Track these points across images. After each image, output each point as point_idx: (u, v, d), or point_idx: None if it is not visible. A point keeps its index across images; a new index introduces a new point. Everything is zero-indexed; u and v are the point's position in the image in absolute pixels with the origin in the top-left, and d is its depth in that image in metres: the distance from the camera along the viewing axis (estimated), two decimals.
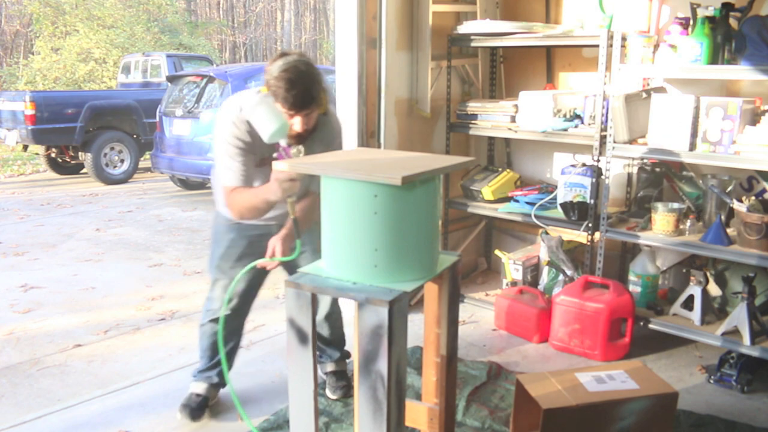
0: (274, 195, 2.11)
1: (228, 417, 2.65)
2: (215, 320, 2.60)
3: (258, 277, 2.60)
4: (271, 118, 2.06)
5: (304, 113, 2.14)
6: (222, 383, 2.72)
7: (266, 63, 2.21)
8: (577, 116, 3.44)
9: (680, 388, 2.69)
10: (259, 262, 2.31)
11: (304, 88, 2.10)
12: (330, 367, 2.87)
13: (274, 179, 2.05)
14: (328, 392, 2.79)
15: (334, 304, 2.80)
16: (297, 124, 2.16)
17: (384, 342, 1.55)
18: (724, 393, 2.84)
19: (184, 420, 2.57)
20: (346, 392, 2.77)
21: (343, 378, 2.83)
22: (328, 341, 2.85)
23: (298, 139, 2.21)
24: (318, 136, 2.31)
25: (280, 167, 1.82)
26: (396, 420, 1.64)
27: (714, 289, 3.20)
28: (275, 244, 2.34)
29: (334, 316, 2.84)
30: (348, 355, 2.93)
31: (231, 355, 2.72)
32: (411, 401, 2.02)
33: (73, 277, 4.56)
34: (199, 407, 2.61)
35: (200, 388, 2.66)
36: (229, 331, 2.64)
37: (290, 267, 2.44)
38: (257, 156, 2.30)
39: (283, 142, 2.15)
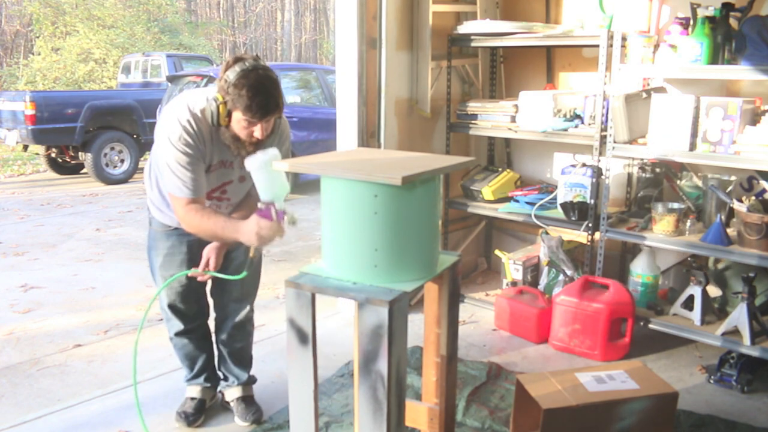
0: (247, 242, 2.03)
1: (227, 418, 2.65)
2: (181, 333, 2.55)
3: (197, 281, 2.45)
4: (275, 181, 1.95)
5: (267, 120, 2.06)
6: (216, 384, 2.69)
7: (218, 68, 2.15)
8: (577, 116, 3.44)
9: (680, 388, 2.69)
10: (191, 272, 2.30)
11: (268, 95, 2.01)
12: (237, 392, 2.64)
13: (256, 231, 1.96)
14: (237, 420, 2.60)
15: (249, 312, 2.62)
16: (258, 131, 2.08)
17: (384, 342, 1.55)
18: (724, 393, 2.84)
19: (182, 427, 2.56)
20: (259, 418, 2.59)
21: (253, 403, 2.64)
22: (237, 358, 2.65)
23: (256, 145, 2.10)
24: (270, 140, 2.20)
25: (281, 167, 1.81)
26: (396, 420, 1.64)
27: (713, 289, 3.21)
28: (210, 255, 2.29)
29: (248, 329, 2.66)
30: (254, 379, 2.73)
31: (205, 369, 2.64)
32: (411, 401, 2.02)
33: (73, 277, 4.56)
34: (196, 411, 2.59)
35: (194, 391, 2.64)
36: (196, 345, 2.60)
37: (219, 279, 2.34)
38: (207, 162, 2.18)
39: (279, 205, 1.99)
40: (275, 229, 1.97)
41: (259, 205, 1.99)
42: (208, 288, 2.59)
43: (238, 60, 2.04)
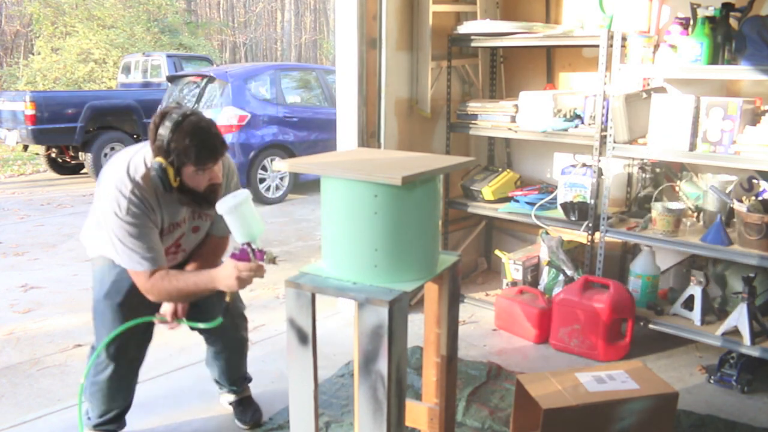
0: (226, 288, 1.94)
1: (226, 420, 2.65)
2: (112, 377, 2.24)
3: (147, 329, 2.27)
4: (250, 221, 1.87)
5: (218, 162, 2.00)
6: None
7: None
8: (577, 116, 3.44)
9: (680, 388, 2.69)
10: (157, 319, 2.19)
11: (211, 136, 1.95)
12: (234, 395, 2.62)
13: (236, 275, 1.89)
14: (238, 422, 2.58)
15: (234, 334, 2.52)
16: (214, 176, 2.02)
17: (384, 342, 1.55)
18: (724, 393, 2.84)
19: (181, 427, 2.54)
20: (258, 419, 2.56)
21: (251, 404, 2.61)
22: (234, 367, 2.59)
23: (214, 192, 2.05)
24: (223, 178, 2.17)
25: (281, 167, 1.81)
26: (396, 420, 1.64)
27: (714, 289, 3.21)
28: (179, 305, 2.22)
29: (240, 349, 2.58)
30: (250, 378, 2.69)
31: (120, 417, 2.38)
32: (411, 401, 2.02)
33: (73, 277, 4.55)
34: None
35: None
36: (125, 385, 2.32)
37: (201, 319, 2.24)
38: (159, 227, 2.07)
39: (257, 244, 1.92)
40: (255, 269, 1.91)
41: (233, 249, 1.94)
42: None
43: (164, 115, 1.94)
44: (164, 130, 1.91)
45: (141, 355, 2.31)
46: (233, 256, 1.92)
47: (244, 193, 1.87)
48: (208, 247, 2.34)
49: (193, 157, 1.92)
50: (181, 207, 2.11)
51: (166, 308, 2.24)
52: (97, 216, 2.15)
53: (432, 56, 3.63)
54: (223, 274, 1.93)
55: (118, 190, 1.96)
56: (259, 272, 1.92)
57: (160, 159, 1.94)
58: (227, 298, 2.05)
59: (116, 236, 1.98)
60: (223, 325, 2.32)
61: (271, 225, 6.24)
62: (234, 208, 1.83)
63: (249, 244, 1.90)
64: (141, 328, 2.18)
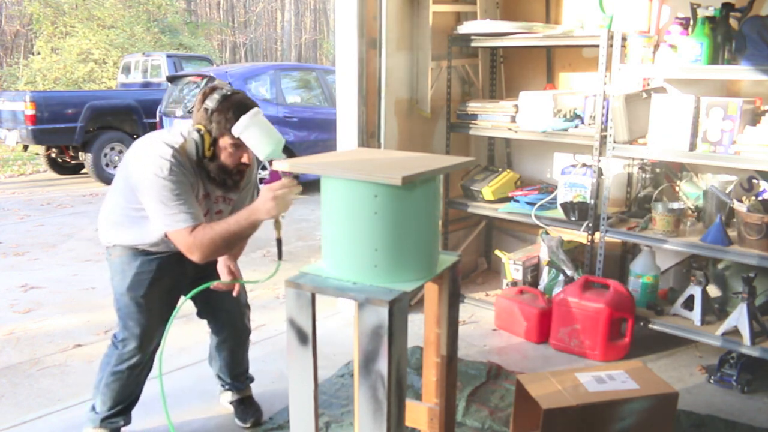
0: (267, 214, 1.94)
1: (227, 419, 2.65)
2: (135, 366, 2.30)
3: (165, 312, 2.25)
4: (268, 134, 1.94)
5: None
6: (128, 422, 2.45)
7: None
8: (577, 116, 3.44)
9: (680, 388, 2.69)
10: (215, 284, 2.24)
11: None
12: (236, 394, 2.64)
13: (272, 196, 1.90)
14: (237, 421, 2.59)
15: (240, 322, 2.53)
16: (246, 157, 2.09)
17: (384, 342, 1.55)
18: (724, 393, 2.84)
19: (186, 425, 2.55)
20: (259, 419, 2.58)
21: (252, 404, 2.63)
22: (238, 362, 2.62)
23: (242, 175, 2.13)
24: (246, 180, 2.25)
25: (281, 167, 1.81)
26: (396, 420, 1.64)
27: (713, 289, 3.21)
28: (227, 264, 2.32)
29: (249, 329, 2.60)
30: (252, 378, 2.71)
31: (128, 410, 2.41)
32: (411, 401, 2.02)
33: (73, 277, 4.56)
34: None
35: None
36: (138, 382, 2.37)
37: (205, 296, 2.29)
38: (195, 194, 2.10)
39: (277, 165, 1.89)
40: (288, 184, 1.91)
41: (261, 174, 1.97)
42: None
43: (214, 89, 2.02)
44: (211, 101, 1.99)
45: (160, 343, 2.25)
46: (264, 182, 1.95)
47: (254, 109, 1.94)
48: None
49: (232, 127, 1.96)
50: (208, 183, 2.14)
51: (221, 267, 2.33)
52: (116, 199, 2.18)
53: (432, 56, 3.63)
54: (261, 201, 1.93)
55: (158, 155, 1.99)
56: (292, 187, 1.91)
57: (200, 125, 2.01)
58: (278, 234, 2.07)
59: (158, 199, 1.98)
60: (232, 311, 2.47)
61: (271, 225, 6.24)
62: (250, 122, 1.90)
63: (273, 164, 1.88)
64: (163, 317, 2.22)
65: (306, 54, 27.35)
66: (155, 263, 2.23)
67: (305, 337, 1.68)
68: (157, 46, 16.79)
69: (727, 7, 2.86)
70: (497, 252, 3.98)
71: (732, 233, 2.92)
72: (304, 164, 1.82)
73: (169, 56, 11.71)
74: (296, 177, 1.94)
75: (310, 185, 7.80)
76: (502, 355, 3.23)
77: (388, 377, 1.57)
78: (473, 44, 3.70)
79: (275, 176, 1.91)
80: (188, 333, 3.45)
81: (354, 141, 3.48)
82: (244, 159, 2.10)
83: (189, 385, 2.90)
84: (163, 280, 2.25)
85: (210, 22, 24.10)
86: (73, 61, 16.04)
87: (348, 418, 2.59)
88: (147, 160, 2.00)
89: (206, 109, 2.00)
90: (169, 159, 1.98)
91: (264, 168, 7.24)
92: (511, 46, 3.70)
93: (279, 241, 2.08)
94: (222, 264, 2.35)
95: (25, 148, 9.28)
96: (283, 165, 1.80)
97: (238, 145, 2.03)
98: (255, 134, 1.93)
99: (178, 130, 2.09)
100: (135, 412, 2.45)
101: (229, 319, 2.50)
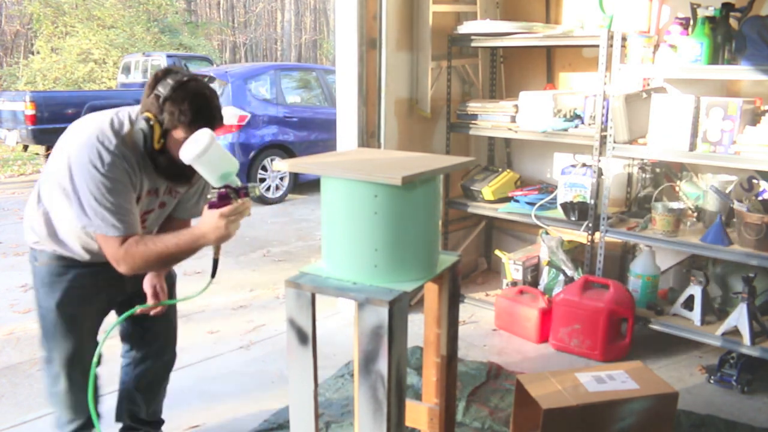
0: (216, 240, 1.74)
1: (227, 418, 2.65)
2: (69, 389, 2.02)
3: (95, 336, 2.05)
4: (221, 160, 1.72)
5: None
6: None
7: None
8: (577, 116, 3.44)
9: (680, 388, 2.69)
10: (140, 309, 1.99)
11: (212, 108, 1.77)
12: None
13: (224, 223, 1.70)
14: None
15: (173, 343, 2.30)
16: None
17: (384, 342, 1.55)
18: (724, 393, 2.84)
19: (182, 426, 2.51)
20: None
21: None
22: (154, 402, 2.33)
23: (194, 170, 1.81)
24: (197, 178, 1.97)
25: (281, 167, 1.81)
26: (396, 420, 1.64)
27: (714, 289, 3.21)
28: (153, 283, 2.05)
29: (169, 368, 2.33)
30: (163, 421, 2.43)
31: (88, 427, 2.10)
32: (411, 401, 2.02)
33: None
34: None
35: None
36: (82, 399, 1.99)
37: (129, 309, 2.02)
38: (137, 192, 1.84)
39: (234, 182, 1.77)
40: (242, 209, 1.74)
41: (209, 196, 1.80)
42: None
43: (168, 72, 1.75)
44: (164, 87, 1.72)
45: (94, 363, 1.98)
46: (212, 205, 1.73)
47: (207, 134, 1.68)
48: (171, 230, 1.99)
49: (187, 121, 1.72)
50: (155, 177, 1.88)
51: (147, 286, 2.07)
52: (48, 188, 1.88)
53: (432, 56, 3.63)
54: (210, 226, 1.72)
55: (100, 142, 1.73)
56: (245, 210, 1.75)
57: (149, 114, 1.74)
58: (217, 255, 1.86)
59: (90, 193, 1.72)
60: (166, 327, 2.23)
61: (271, 225, 6.24)
62: (202, 153, 1.66)
63: (228, 186, 1.74)
64: (92, 335, 2.02)
65: (306, 54, 27.35)
66: (91, 278, 1.96)
67: (305, 337, 1.68)
68: (157, 46, 16.80)
69: (727, 7, 2.86)
70: (497, 252, 3.98)
71: (732, 233, 2.92)
72: (304, 164, 1.82)
73: (169, 56, 11.72)
74: (247, 194, 1.76)
75: (310, 185, 7.83)
76: (502, 355, 3.23)
77: (388, 377, 1.57)
78: (473, 44, 3.70)
79: (224, 199, 1.74)
80: (188, 333, 3.44)
81: (354, 141, 3.48)
82: None
83: (189, 385, 2.90)
84: (100, 296, 2.00)
85: (210, 22, 24.10)
86: (73, 61, 16.05)
87: (348, 418, 2.59)
88: (84, 146, 1.74)
89: (157, 96, 1.72)
90: (112, 150, 1.72)
91: (264, 168, 7.25)
92: (511, 46, 3.70)
93: (216, 261, 1.88)
94: (147, 282, 2.08)
95: (25, 148, 9.27)
96: (283, 165, 1.80)
97: None
98: (211, 164, 1.70)
99: (126, 113, 1.83)
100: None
101: (164, 332, 2.25)
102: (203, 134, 1.68)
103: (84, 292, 1.96)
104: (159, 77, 1.74)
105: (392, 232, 1.61)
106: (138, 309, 2.02)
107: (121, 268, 1.79)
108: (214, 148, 1.68)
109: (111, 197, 1.72)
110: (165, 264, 1.83)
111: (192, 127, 1.72)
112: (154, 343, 2.24)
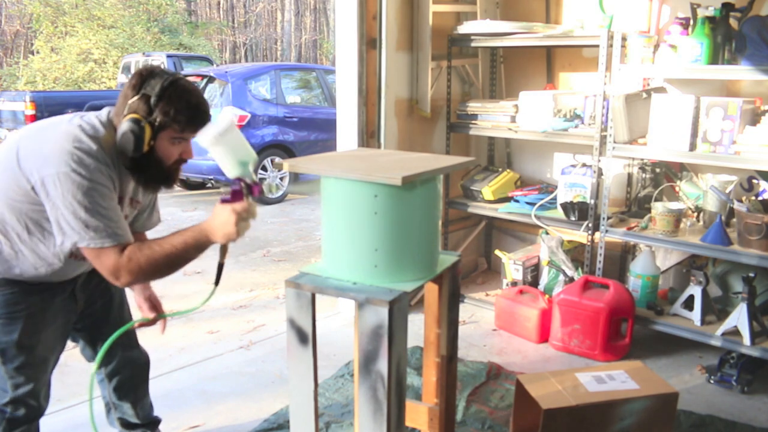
0: (224, 238, 1.63)
1: (227, 418, 2.65)
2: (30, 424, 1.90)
3: (59, 356, 1.95)
4: (239, 150, 1.64)
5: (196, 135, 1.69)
6: None
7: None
8: (577, 116, 3.44)
9: (680, 388, 2.69)
10: (137, 322, 1.95)
11: (204, 106, 1.73)
12: None
13: (234, 220, 1.60)
14: None
15: (137, 349, 2.19)
16: (187, 150, 1.76)
17: (384, 342, 1.55)
18: (724, 393, 2.84)
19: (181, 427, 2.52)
20: None
21: None
22: (143, 406, 2.26)
23: (178, 173, 1.79)
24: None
25: (281, 167, 1.80)
26: (396, 420, 1.64)
27: (714, 289, 3.21)
28: (146, 296, 2.00)
29: (146, 368, 2.23)
30: (159, 419, 2.35)
31: None
32: (411, 401, 2.02)
33: None
34: None
35: None
36: None
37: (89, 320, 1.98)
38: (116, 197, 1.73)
39: (249, 178, 1.69)
40: (253, 210, 1.65)
41: (222, 190, 1.79)
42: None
43: (151, 72, 1.69)
44: (151, 88, 1.65)
45: (93, 372, 1.95)
46: (224, 200, 1.64)
47: (228, 118, 1.63)
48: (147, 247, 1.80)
49: (183, 121, 1.66)
50: (128, 183, 1.77)
51: (140, 300, 2.02)
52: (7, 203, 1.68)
53: (432, 56, 3.63)
54: (220, 222, 1.61)
55: (77, 149, 1.59)
56: (254, 213, 1.66)
57: (136, 116, 1.64)
58: (223, 258, 1.76)
59: (79, 204, 1.57)
60: (124, 340, 2.08)
61: (271, 225, 6.24)
62: (220, 137, 1.58)
63: (241, 180, 1.65)
64: (56, 361, 1.94)
65: (306, 54, 27.36)
66: (44, 299, 1.80)
67: (305, 337, 1.68)
68: (157, 46, 16.80)
69: (727, 7, 2.86)
70: (497, 252, 3.98)
71: (732, 233, 2.92)
72: (304, 164, 1.83)
73: (169, 56, 11.72)
74: (261, 191, 1.70)
75: (310, 185, 7.83)
76: (502, 355, 3.23)
77: (388, 377, 1.57)
78: (473, 44, 3.70)
79: (237, 194, 1.64)
80: (188, 333, 3.45)
81: (354, 141, 3.48)
82: (185, 154, 1.77)
83: (189, 385, 2.90)
84: (57, 320, 1.85)
85: (210, 22, 24.10)
86: (73, 61, 16.06)
87: (348, 418, 2.59)
88: (59, 155, 1.58)
89: (146, 96, 1.64)
90: (93, 155, 1.60)
91: (264, 168, 7.24)
92: (511, 46, 3.70)
93: (221, 266, 1.77)
94: (140, 296, 2.01)
95: None
96: (283, 165, 1.80)
97: (182, 138, 1.71)
98: (229, 148, 1.62)
99: (90, 118, 1.71)
100: None
101: (119, 354, 2.13)
102: (224, 117, 1.64)
103: (42, 318, 1.80)
104: (144, 77, 1.67)
105: (392, 232, 1.61)
106: (136, 323, 1.98)
107: (123, 280, 1.66)
108: (235, 132, 1.62)
109: (103, 202, 1.61)
110: (173, 267, 1.68)
111: (189, 124, 1.68)
112: (116, 355, 2.12)
